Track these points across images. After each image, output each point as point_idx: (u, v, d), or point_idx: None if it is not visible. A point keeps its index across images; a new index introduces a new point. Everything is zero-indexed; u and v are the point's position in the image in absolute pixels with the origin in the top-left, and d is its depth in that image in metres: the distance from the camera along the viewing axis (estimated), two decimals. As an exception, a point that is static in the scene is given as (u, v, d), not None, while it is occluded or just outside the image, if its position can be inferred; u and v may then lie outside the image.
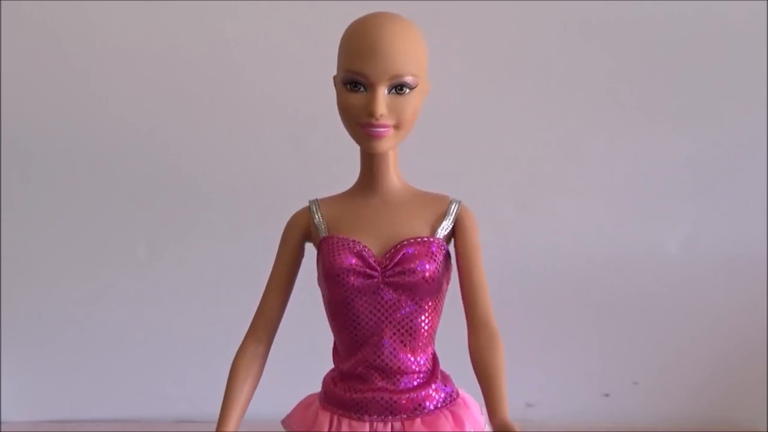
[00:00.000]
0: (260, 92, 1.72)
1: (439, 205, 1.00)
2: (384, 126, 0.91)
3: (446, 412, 0.96)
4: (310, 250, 1.02)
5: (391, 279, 0.94)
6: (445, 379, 1.00)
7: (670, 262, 1.80)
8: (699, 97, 1.73)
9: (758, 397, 1.84)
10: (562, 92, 1.73)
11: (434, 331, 0.99)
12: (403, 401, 0.94)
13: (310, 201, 1.02)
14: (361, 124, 0.92)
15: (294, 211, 1.03)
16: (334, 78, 0.97)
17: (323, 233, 0.98)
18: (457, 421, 0.95)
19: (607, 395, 1.88)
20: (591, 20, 1.69)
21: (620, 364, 1.86)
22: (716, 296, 1.82)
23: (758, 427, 1.83)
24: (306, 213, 1.01)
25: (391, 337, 0.95)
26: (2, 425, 1.84)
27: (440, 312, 0.98)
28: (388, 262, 0.94)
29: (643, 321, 1.83)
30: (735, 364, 1.85)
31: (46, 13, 1.67)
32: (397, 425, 0.94)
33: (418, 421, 0.94)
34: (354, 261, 0.94)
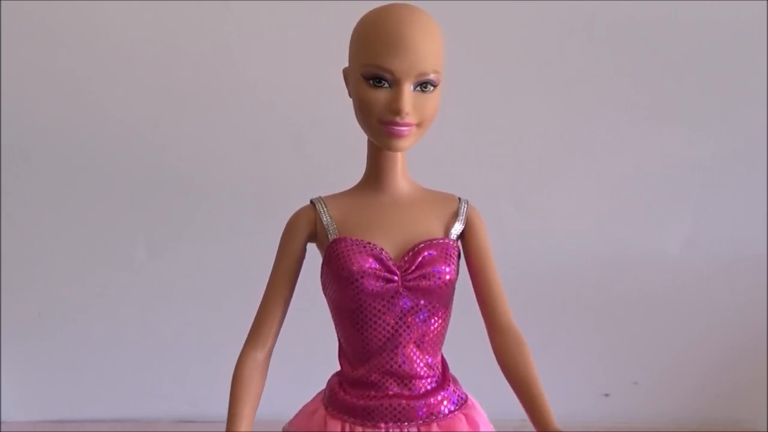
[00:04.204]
0: (260, 92, 1.72)
1: (449, 205, 0.97)
2: (408, 125, 0.88)
3: (460, 415, 0.94)
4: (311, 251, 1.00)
5: (411, 283, 0.91)
6: (455, 381, 0.99)
7: (671, 263, 1.80)
8: (700, 98, 1.73)
9: (758, 397, 1.84)
10: (563, 92, 1.73)
11: (445, 334, 0.97)
12: (419, 407, 0.92)
13: (313, 199, 0.97)
14: (383, 122, 0.88)
15: (294, 211, 0.98)
16: (346, 71, 0.93)
17: (333, 234, 0.93)
18: (471, 423, 0.94)
19: (607, 395, 1.88)
20: (593, 21, 1.69)
21: (620, 364, 1.86)
22: (716, 296, 1.82)
23: (758, 427, 1.83)
24: (310, 212, 0.96)
25: (407, 343, 0.92)
26: (2, 425, 1.84)
27: (450, 314, 0.97)
28: (407, 265, 0.91)
29: (643, 321, 1.83)
30: (735, 364, 1.85)
31: (46, 13, 1.67)
32: (413, 431, 0.91)
33: (434, 425, 0.92)
34: (373, 264, 0.90)
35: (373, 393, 0.93)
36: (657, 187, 1.77)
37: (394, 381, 0.93)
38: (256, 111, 1.73)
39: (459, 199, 0.99)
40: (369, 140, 0.94)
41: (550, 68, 1.72)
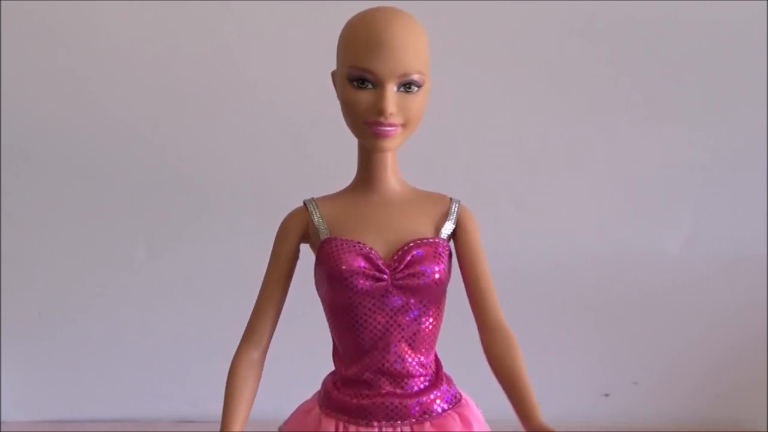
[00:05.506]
0: (260, 92, 1.72)
1: (440, 205, 0.98)
2: (392, 125, 0.89)
3: (453, 414, 0.94)
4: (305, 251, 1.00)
5: (400, 282, 0.91)
6: (449, 380, 0.99)
7: (671, 263, 1.80)
8: (700, 98, 1.73)
9: (758, 397, 1.84)
10: (563, 93, 1.73)
11: (438, 333, 0.97)
12: (412, 406, 0.92)
13: (305, 200, 0.99)
14: (368, 123, 0.89)
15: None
16: (334, 74, 0.95)
17: (324, 235, 0.94)
18: (465, 422, 0.94)
19: (607, 395, 1.88)
20: (593, 22, 1.69)
21: (620, 364, 1.86)
22: (716, 296, 1.82)
23: (758, 427, 1.83)
24: (302, 213, 0.98)
25: (398, 341, 0.93)
26: (2, 425, 1.84)
27: (443, 313, 0.97)
28: (396, 264, 0.92)
29: (643, 321, 1.83)
30: (735, 364, 1.85)
31: (46, 13, 1.67)
32: (406, 429, 0.92)
33: (427, 424, 0.92)
34: (362, 263, 0.91)
35: (366, 392, 0.93)
36: (657, 187, 1.77)
37: (387, 380, 0.93)
38: (256, 111, 1.73)
39: (450, 199, 0.99)
40: (359, 141, 0.95)
41: (550, 68, 1.72)
